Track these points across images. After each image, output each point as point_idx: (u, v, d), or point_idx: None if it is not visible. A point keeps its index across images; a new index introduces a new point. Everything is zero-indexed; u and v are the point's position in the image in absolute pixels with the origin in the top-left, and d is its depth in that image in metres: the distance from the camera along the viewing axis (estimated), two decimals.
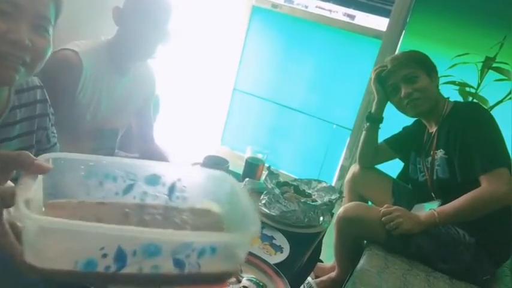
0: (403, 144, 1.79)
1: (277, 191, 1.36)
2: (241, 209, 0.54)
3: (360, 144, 1.84)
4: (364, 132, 1.83)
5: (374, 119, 1.78)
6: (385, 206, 1.52)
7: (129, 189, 0.57)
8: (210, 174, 0.61)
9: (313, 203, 1.36)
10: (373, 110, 1.78)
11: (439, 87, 1.65)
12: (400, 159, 1.85)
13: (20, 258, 0.44)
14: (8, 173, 0.50)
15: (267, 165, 1.58)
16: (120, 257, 0.43)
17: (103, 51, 1.37)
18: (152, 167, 0.59)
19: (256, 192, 1.45)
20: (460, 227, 1.46)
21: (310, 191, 1.49)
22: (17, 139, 0.94)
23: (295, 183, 1.51)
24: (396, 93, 1.62)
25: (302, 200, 1.35)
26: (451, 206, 1.42)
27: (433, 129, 1.62)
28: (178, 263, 0.46)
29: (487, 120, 1.48)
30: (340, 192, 1.45)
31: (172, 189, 0.59)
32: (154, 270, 0.45)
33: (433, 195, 1.60)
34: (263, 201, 1.35)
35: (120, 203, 0.56)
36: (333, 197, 1.42)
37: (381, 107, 1.75)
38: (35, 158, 0.50)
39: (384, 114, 1.77)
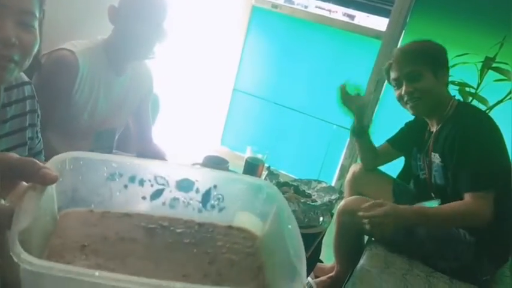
0: (406, 142, 1.76)
1: None
2: (282, 230, 0.47)
3: (358, 151, 1.83)
4: (356, 143, 1.80)
5: (359, 133, 1.75)
6: (367, 204, 1.40)
7: (158, 194, 0.51)
8: (250, 182, 0.54)
9: (313, 204, 1.36)
10: (355, 124, 1.74)
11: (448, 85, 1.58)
12: (404, 156, 1.83)
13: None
14: (10, 182, 0.44)
15: (266, 165, 1.58)
16: None
17: (99, 51, 1.37)
18: (185, 170, 0.53)
19: None
20: (462, 228, 1.45)
21: (310, 191, 1.49)
22: (7, 137, 0.94)
23: (295, 184, 1.51)
24: (398, 87, 1.56)
25: (302, 200, 1.35)
26: (432, 211, 1.40)
27: (434, 128, 1.59)
28: None
29: (487, 133, 1.41)
30: (340, 192, 1.45)
31: (207, 196, 0.53)
32: None
33: (433, 195, 1.60)
34: None
35: (147, 215, 0.50)
36: (333, 197, 1.42)
37: (359, 119, 1.71)
38: (41, 165, 0.43)
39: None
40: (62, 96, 1.31)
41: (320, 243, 1.44)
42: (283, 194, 1.35)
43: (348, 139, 2.72)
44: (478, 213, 1.33)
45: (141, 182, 0.51)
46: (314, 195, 1.46)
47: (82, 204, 0.50)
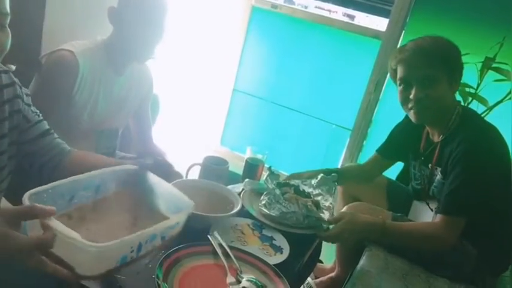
0: (397, 149, 1.64)
1: (277, 191, 1.36)
2: (160, 190, 0.95)
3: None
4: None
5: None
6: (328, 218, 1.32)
7: (72, 199, 0.84)
8: (124, 170, 0.96)
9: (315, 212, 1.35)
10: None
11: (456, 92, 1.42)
12: (400, 161, 1.75)
13: (70, 275, 0.66)
14: (19, 225, 0.67)
15: (267, 165, 1.58)
16: (139, 248, 0.75)
17: (99, 51, 1.37)
18: (88, 177, 0.87)
19: (256, 192, 1.44)
20: (463, 237, 1.37)
21: (310, 190, 1.49)
22: None
23: (295, 184, 1.50)
24: (406, 89, 1.35)
25: (303, 203, 1.34)
26: (395, 226, 1.32)
27: (436, 138, 1.44)
28: (163, 239, 0.82)
29: (490, 159, 1.28)
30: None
31: (98, 188, 0.90)
32: (152, 247, 0.79)
33: (429, 206, 1.53)
34: (263, 202, 1.35)
35: (70, 210, 0.83)
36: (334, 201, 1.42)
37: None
38: (36, 205, 0.67)
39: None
40: (62, 97, 1.31)
41: (320, 243, 1.44)
42: (284, 194, 1.36)
43: (348, 139, 2.72)
44: (444, 238, 1.27)
45: (63, 196, 0.82)
46: (314, 192, 1.46)
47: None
